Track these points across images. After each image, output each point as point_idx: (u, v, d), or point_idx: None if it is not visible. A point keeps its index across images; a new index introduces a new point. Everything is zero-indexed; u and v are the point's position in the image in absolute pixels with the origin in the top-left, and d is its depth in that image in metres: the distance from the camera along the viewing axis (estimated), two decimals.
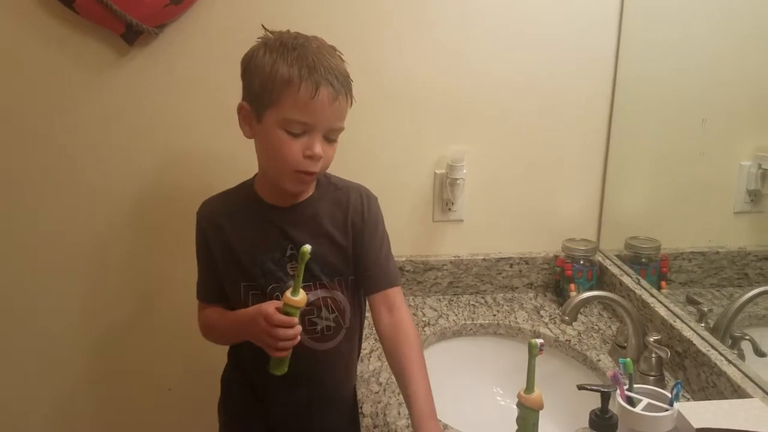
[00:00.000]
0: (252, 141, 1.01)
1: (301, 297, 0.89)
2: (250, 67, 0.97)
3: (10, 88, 1.29)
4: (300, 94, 0.91)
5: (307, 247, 0.86)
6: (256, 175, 1.08)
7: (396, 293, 1.04)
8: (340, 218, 1.05)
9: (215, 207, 1.07)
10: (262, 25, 0.99)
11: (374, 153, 1.40)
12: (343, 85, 0.95)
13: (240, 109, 1.00)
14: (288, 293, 0.89)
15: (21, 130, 1.32)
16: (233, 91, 1.01)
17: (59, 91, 1.30)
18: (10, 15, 1.25)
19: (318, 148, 0.94)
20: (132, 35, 1.26)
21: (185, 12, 1.28)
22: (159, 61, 1.31)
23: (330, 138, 0.97)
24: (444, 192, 1.43)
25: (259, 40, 0.98)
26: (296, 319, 0.90)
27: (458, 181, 1.40)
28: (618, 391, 0.85)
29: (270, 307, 0.91)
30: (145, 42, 1.29)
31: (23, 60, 1.28)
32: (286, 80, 0.91)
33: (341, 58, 0.99)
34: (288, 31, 0.99)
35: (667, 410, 0.84)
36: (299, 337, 0.91)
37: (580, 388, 0.84)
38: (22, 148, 1.33)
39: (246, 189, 1.07)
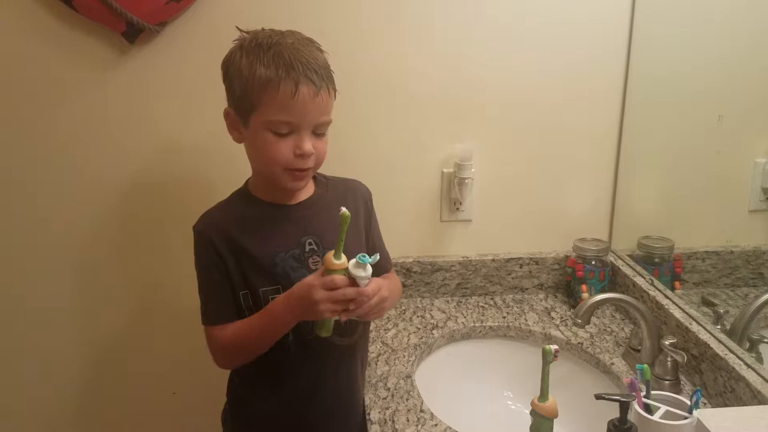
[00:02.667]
0: None
1: (343, 260, 0.89)
2: (229, 71, 0.96)
3: (9, 86, 1.27)
4: (280, 94, 0.90)
5: (346, 211, 0.86)
6: (247, 181, 1.06)
7: (392, 275, 1.15)
8: (353, 206, 1.06)
9: (217, 216, 1.02)
10: (237, 27, 0.98)
11: (380, 152, 1.38)
12: (323, 78, 0.93)
13: (226, 115, 0.99)
14: (331, 258, 0.88)
15: (21, 129, 1.30)
16: None
17: (59, 90, 1.29)
18: (10, 13, 1.24)
19: (307, 145, 0.93)
20: (133, 33, 1.24)
21: (186, 9, 1.26)
22: (160, 59, 1.29)
23: (318, 132, 0.96)
24: (452, 191, 1.41)
25: (236, 42, 0.97)
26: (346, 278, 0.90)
27: (466, 180, 1.37)
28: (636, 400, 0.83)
29: (316, 278, 0.89)
30: (146, 40, 1.27)
31: (23, 59, 1.26)
32: (265, 81, 0.90)
33: (320, 49, 0.97)
34: (263, 29, 0.97)
35: (686, 418, 0.82)
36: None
37: (598, 397, 0.82)
38: (22, 148, 1.31)
39: (243, 196, 1.05)
